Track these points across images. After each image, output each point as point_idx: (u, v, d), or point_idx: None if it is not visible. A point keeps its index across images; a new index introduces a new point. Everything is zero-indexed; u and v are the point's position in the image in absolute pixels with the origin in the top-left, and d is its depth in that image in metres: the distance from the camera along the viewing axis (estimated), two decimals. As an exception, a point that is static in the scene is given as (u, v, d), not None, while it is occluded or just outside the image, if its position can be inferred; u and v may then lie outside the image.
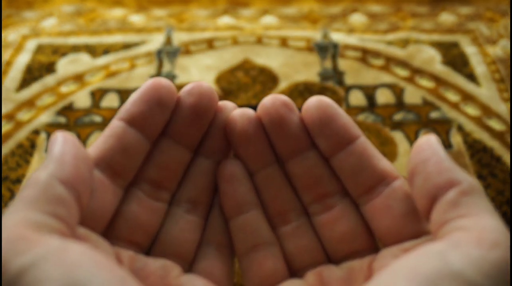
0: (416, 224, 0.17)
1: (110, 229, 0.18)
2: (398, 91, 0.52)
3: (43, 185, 0.15)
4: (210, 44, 0.59)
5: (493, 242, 0.14)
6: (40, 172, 0.15)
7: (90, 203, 0.17)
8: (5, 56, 0.58)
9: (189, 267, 0.19)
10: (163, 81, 0.18)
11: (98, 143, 0.18)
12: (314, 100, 0.19)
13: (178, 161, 0.19)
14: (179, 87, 0.53)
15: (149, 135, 0.18)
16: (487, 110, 0.50)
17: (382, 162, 0.19)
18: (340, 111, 0.19)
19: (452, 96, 0.52)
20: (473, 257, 0.13)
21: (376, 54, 0.57)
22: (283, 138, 0.19)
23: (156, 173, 0.19)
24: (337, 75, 0.55)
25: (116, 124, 0.18)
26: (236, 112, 0.19)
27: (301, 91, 0.52)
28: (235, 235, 0.19)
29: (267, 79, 0.54)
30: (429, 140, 0.17)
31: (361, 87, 0.53)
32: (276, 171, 0.20)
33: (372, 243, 0.19)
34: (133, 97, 0.18)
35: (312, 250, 0.19)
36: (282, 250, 0.19)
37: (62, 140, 0.16)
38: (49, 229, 0.14)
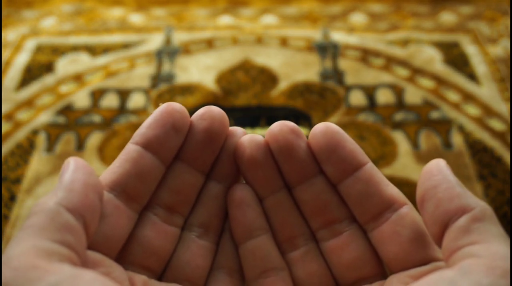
0: (423, 251, 0.17)
1: (124, 254, 0.18)
2: (398, 91, 0.52)
3: (50, 213, 0.15)
4: (210, 43, 0.59)
5: (504, 270, 0.14)
6: (48, 199, 0.15)
7: (104, 228, 0.17)
8: (4, 56, 0.57)
9: None
10: (176, 105, 0.19)
11: (113, 166, 0.18)
12: (321, 127, 0.19)
13: (191, 185, 0.19)
14: (179, 87, 0.53)
15: (164, 159, 0.19)
16: (487, 110, 0.50)
17: (389, 188, 0.19)
18: (347, 138, 0.19)
19: (453, 96, 0.51)
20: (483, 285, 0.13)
21: (377, 54, 0.57)
22: (291, 164, 0.19)
23: (170, 197, 0.19)
24: (337, 75, 0.54)
25: (131, 148, 0.18)
26: (244, 138, 0.19)
27: (301, 91, 0.52)
28: (245, 260, 0.19)
29: (267, 79, 0.54)
30: (438, 165, 0.17)
31: (361, 87, 0.53)
32: (285, 197, 0.20)
33: (380, 269, 0.19)
34: (148, 122, 0.19)
35: (321, 275, 0.19)
36: (291, 275, 0.20)
37: (74, 167, 0.16)
38: (59, 257, 0.14)
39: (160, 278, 0.19)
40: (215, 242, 0.20)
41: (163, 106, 0.18)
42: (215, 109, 0.19)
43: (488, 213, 0.16)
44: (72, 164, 0.16)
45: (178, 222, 0.19)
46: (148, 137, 0.18)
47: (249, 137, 0.19)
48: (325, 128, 0.19)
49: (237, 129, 0.20)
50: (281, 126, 0.19)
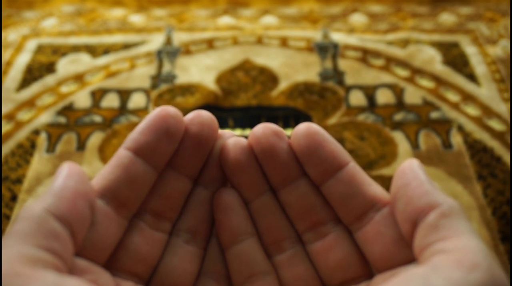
0: (408, 249, 0.17)
1: (112, 260, 0.18)
2: (398, 91, 0.52)
3: (37, 219, 0.15)
4: (210, 44, 0.59)
5: (473, 263, 0.14)
6: (36, 205, 0.15)
7: (93, 235, 0.17)
8: (5, 56, 0.58)
9: None
10: (171, 110, 0.18)
11: (104, 172, 0.18)
12: (302, 128, 0.19)
13: (180, 191, 0.19)
14: (180, 87, 0.53)
15: (156, 166, 0.18)
16: (487, 111, 0.50)
17: (372, 188, 0.19)
18: (328, 138, 0.19)
19: (452, 97, 0.52)
20: (454, 280, 0.13)
21: (376, 54, 0.57)
22: (274, 167, 0.19)
23: (158, 203, 0.19)
24: (337, 75, 0.55)
25: (123, 153, 0.18)
26: (228, 141, 0.19)
27: (301, 91, 0.52)
28: (232, 264, 0.19)
29: (267, 79, 0.54)
30: (411, 165, 0.17)
31: (361, 87, 0.53)
32: (270, 200, 0.20)
33: (366, 270, 0.19)
34: (140, 127, 0.18)
35: (308, 278, 0.19)
36: (278, 279, 0.19)
37: (66, 174, 0.16)
38: (44, 264, 0.14)
39: (147, 284, 0.19)
40: (203, 247, 0.20)
41: (157, 111, 0.18)
42: (205, 114, 0.19)
43: (455, 208, 0.16)
44: (65, 170, 0.16)
45: (165, 228, 0.19)
46: (140, 143, 0.18)
47: (233, 141, 0.19)
48: (305, 129, 0.18)
49: (225, 133, 0.20)
50: (263, 129, 0.19)
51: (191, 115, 0.19)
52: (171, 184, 0.19)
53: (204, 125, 0.19)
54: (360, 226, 0.18)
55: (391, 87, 0.53)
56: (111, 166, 0.18)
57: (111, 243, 0.17)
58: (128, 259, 0.18)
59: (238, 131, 0.48)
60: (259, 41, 0.59)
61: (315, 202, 0.19)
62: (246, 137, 0.19)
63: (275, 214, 0.20)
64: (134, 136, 0.18)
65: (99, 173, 0.18)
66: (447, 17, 0.64)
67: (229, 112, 0.50)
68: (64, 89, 0.53)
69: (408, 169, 0.17)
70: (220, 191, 0.19)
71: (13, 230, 0.14)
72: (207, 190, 0.20)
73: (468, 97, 0.51)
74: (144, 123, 0.18)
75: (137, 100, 0.52)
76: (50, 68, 0.56)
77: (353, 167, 0.19)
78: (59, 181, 0.16)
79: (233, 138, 0.19)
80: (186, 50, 0.59)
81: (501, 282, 0.14)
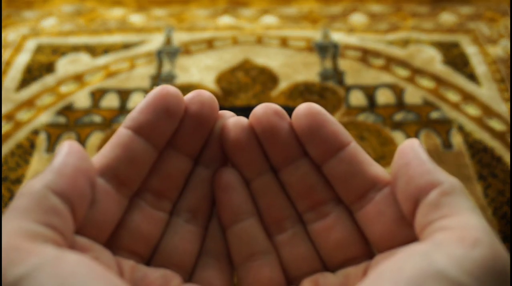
0: (409, 229, 0.17)
1: (113, 239, 0.18)
2: (398, 91, 0.52)
3: (37, 195, 0.15)
4: (210, 44, 0.59)
5: (475, 240, 0.14)
6: (36, 181, 0.15)
7: (94, 213, 0.17)
8: (5, 56, 0.58)
9: (189, 277, 0.19)
10: (171, 89, 0.18)
11: (104, 151, 0.18)
12: (303, 107, 0.19)
13: (180, 170, 0.19)
14: (180, 87, 0.53)
15: (156, 144, 0.18)
16: (487, 111, 0.50)
17: (373, 168, 0.18)
18: (330, 118, 0.18)
19: (453, 96, 0.51)
20: (456, 256, 0.13)
21: (376, 54, 0.57)
22: (275, 146, 0.19)
23: (158, 182, 0.19)
24: (337, 75, 0.54)
25: (123, 132, 0.18)
26: (229, 121, 0.19)
27: (301, 91, 0.52)
28: (232, 244, 0.19)
29: (267, 79, 0.54)
30: (411, 144, 0.17)
31: (361, 87, 0.53)
32: (271, 179, 0.20)
33: (367, 250, 0.19)
34: (140, 105, 0.18)
35: (308, 258, 0.19)
36: (278, 258, 0.19)
37: (67, 151, 0.16)
38: (43, 239, 0.14)
39: (148, 263, 0.19)
40: (204, 226, 0.20)
41: (156, 90, 0.18)
42: (205, 93, 0.19)
43: (457, 187, 0.16)
44: (66, 147, 0.16)
45: (166, 207, 0.19)
46: (140, 122, 0.18)
47: (234, 120, 0.19)
48: (307, 109, 0.18)
49: (225, 113, 0.20)
50: (264, 108, 0.19)
51: (191, 94, 0.19)
52: (171, 163, 0.19)
53: (204, 104, 0.19)
54: (360, 205, 0.18)
55: (391, 87, 0.53)
56: (111, 144, 0.18)
57: (112, 222, 0.17)
58: (128, 238, 0.18)
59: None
60: (259, 41, 0.59)
61: (316, 181, 0.19)
62: None
63: (276, 193, 0.19)
64: (133, 115, 0.18)
65: (100, 151, 0.18)
66: (447, 17, 0.64)
67: (229, 112, 0.50)
68: (64, 89, 0.53)
69: (409, 148, 0.17)
70: (220, 170, 0.19)
71: (12, 206, 0.14)
72: (208, 169, 0.20)
73: (468, 97, 0.51)
74: (144, 102, 0.18)
75: (137, 100, 0.52)
76: (49, 68, 0.56)
77: (354, 147, 0.18)
78: (59, 158, 0.16)
79: (234, 117, 0.19)
80: (186, 50, 0.58)
81: (503, 258, 0.14)
